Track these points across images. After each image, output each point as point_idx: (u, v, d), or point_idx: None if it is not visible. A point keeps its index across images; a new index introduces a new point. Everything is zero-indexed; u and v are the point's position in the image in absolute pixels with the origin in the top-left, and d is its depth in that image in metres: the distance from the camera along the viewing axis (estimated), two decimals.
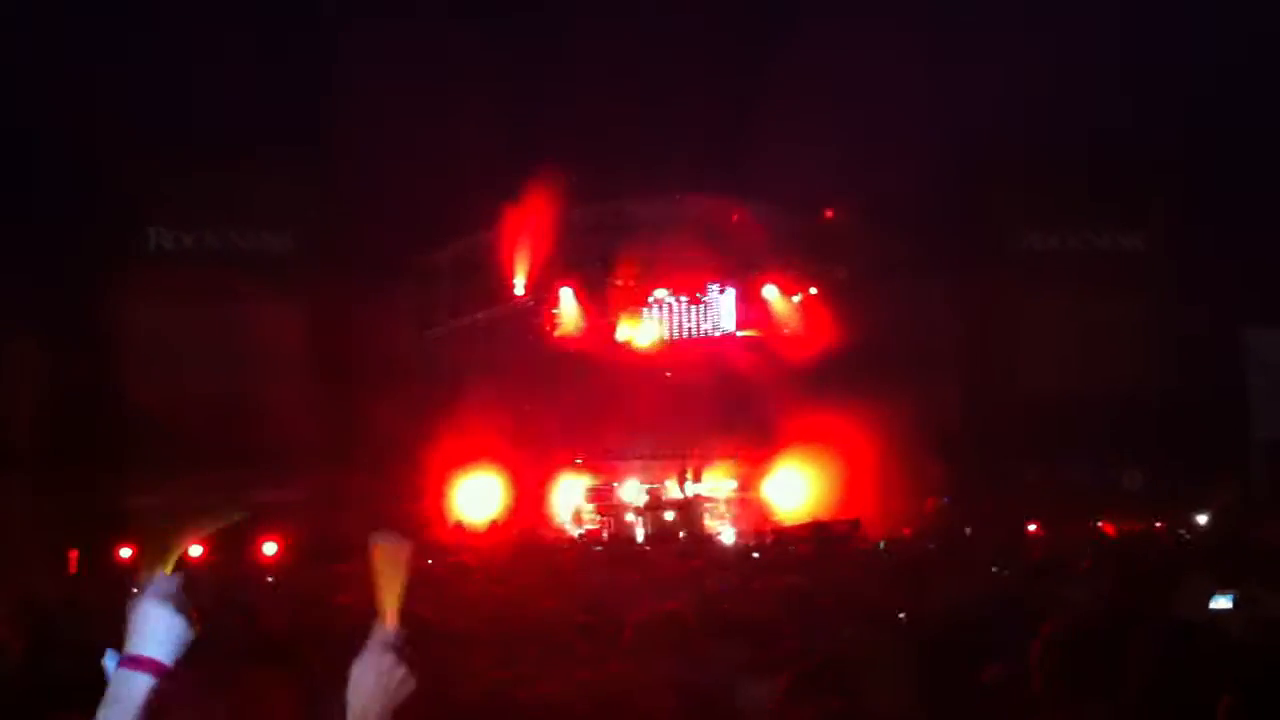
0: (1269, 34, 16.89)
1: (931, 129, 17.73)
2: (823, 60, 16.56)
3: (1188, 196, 18.40)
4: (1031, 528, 17.40)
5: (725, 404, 22.68)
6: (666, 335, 22.76)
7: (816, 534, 16.83)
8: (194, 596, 2.58)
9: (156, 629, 2.54)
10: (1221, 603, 5.08)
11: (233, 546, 16.27)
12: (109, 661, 2.52)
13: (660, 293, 22.53)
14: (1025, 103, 17.51)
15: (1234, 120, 17.82)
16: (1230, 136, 17.78)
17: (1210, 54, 17.08)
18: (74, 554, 15.64)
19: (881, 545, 15.76)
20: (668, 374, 22.05)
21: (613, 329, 22.67)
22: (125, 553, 16.12)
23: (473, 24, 16.99)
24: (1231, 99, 17.75)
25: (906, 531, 17.53)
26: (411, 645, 2.76)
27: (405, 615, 2.66)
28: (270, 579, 13.99)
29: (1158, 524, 17.24)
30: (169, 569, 2.59)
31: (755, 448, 21.77)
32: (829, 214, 21.10)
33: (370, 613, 2.74)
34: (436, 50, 16.31)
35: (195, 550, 16.43)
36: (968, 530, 16.17)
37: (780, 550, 15.96)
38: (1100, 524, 17.13)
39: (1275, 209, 17.89)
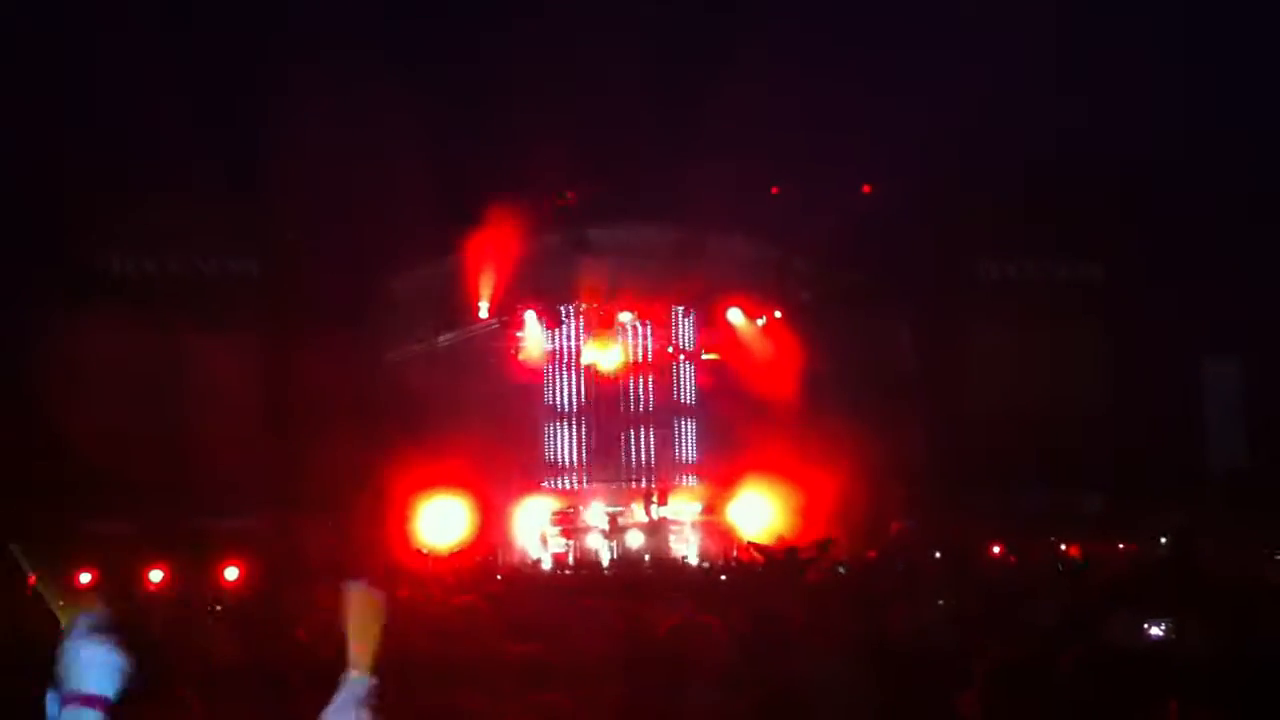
0: (1232, 67, 17.18)
1: (893, 156, 17.85)
2: (783, 86, 16.67)
3: (1146, 225, 18.60)
4: (995, 550, 17.52)
5: (690, 427, 22.81)
6: (631, 358, 22.78)
7: (786, 557, 16.87)
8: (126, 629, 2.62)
9: (95, 664, 2.59)
10: (1156, 630, 5.14)
11: (194, 572, 16.18)
12: (51, 704, 2.54)
13: (624, 316, 22.57)
14: (985, 131, 17.65)
15: (1193, 150, 18.04)
16: (1189, 166, 18.00)
17: (1172, 84, 17.30)
18: (32, 579, 15.50)
19: (841, 569, 15.82)
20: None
21: (577, 352, 22.69)
22: (85, 578, 15.99)
23: (435, 50, 17.05)
24: (1191, 130, 17.96)
25: (871, 554, 17.60)
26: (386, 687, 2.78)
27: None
28: (218, 607, 13.89)
29: (1121, 545, 17.38)
30: (91, 608, 2.62)
31: (720, 471, 21.85)
32: (792, 238, 21.12)
33: (330, 652, 2.75)
34: (399, 76, 16.31)
35: (156, 575, 16.36)
36: (937, 554, 16.20)
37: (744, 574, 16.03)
38: (1065, 546, 17.28)
39: (1233, 239, 18.11)
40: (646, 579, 16.77)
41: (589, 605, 7.58)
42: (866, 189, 19.80)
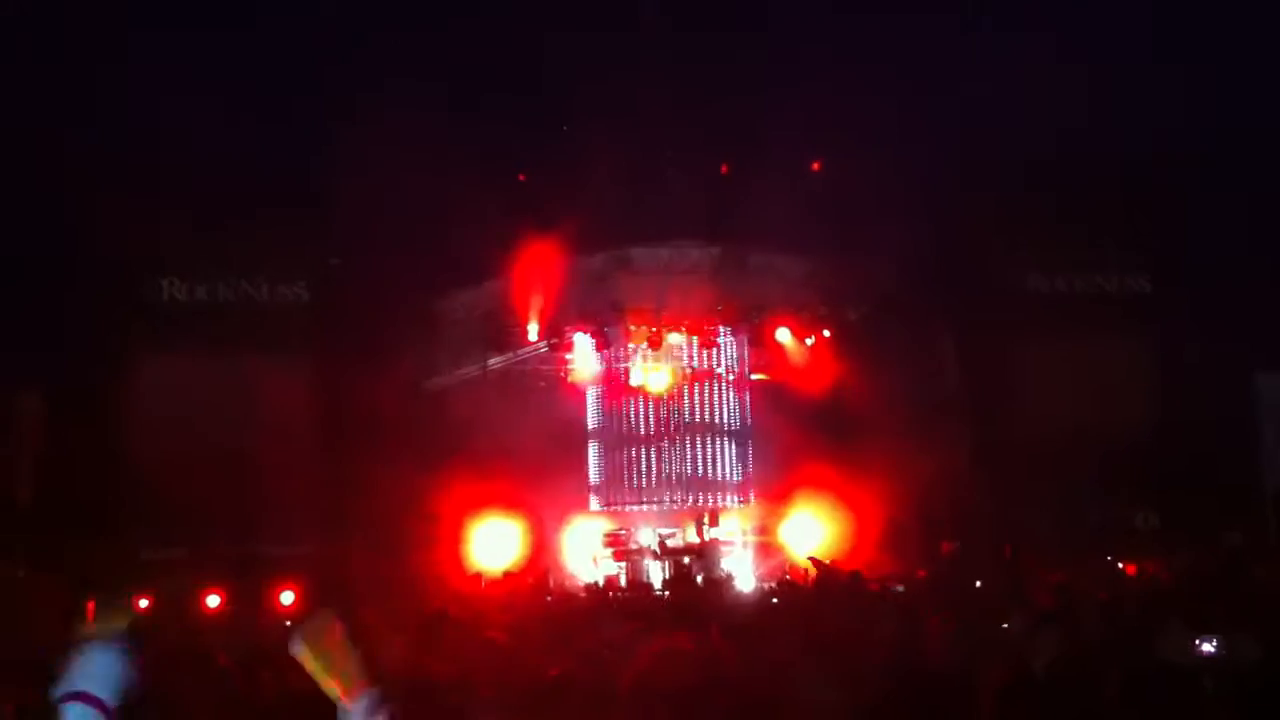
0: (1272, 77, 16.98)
1: (938, 170, 17.77)
2: (827, 104, 16.68)
3: (1195, 237, 18.35)
4: (1049, 569, 17.29)
5: (741, 447, 22.79)
6: (680, 379, 22.79)
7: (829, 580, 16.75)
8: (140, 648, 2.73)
9: (103, 670, 2.74)
10: (1206, 647, 5.09)
11: (251, 597, 16.38)
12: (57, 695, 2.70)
13: (673, 337, 22.58)
14: (1030, 143, 17.56)
15: (1244, 159, 17.82)
16: (1237, 178, 17.77)
17: (1213, 89, 17.13)
18: (90, 605, 15.73)
19: (900, 588, 15.69)
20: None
21: (626, 373, 22.74)
22: (143, 604, 16.19)
23: (478, 74, 17.22)
24: (1243, 140, 17.74)
25: (922, 574, 17.46)
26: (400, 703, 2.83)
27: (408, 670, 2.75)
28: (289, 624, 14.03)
29: (1174, 562, 17.08)
30: (121, 622, 2.75)
31: (771, 491, 21.79)
32: (839, 255, 21.03)
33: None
34: (443, 100, 16.50)
35: (213, 601, 16.57)
36: (978, 583, 16.00)
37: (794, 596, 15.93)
38: (1121, 564, 17.04)
39: None
40: (697, 601, 16.72)
41: (635, 628, 7.59)
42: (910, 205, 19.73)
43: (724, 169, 19.42)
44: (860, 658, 5.15)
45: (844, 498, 19.45)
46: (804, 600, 14.00)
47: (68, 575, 13.63)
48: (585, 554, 21.24)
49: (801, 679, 4.57)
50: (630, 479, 22.74)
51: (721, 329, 22.79)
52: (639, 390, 22.77)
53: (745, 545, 21.56)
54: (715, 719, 3.68)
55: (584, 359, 22.48)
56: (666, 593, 18.85)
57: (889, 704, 3.91)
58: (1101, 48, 16.97)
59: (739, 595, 17.71)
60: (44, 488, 16.50)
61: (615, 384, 22.82)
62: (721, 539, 21.25)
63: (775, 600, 16.17)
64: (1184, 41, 16.90)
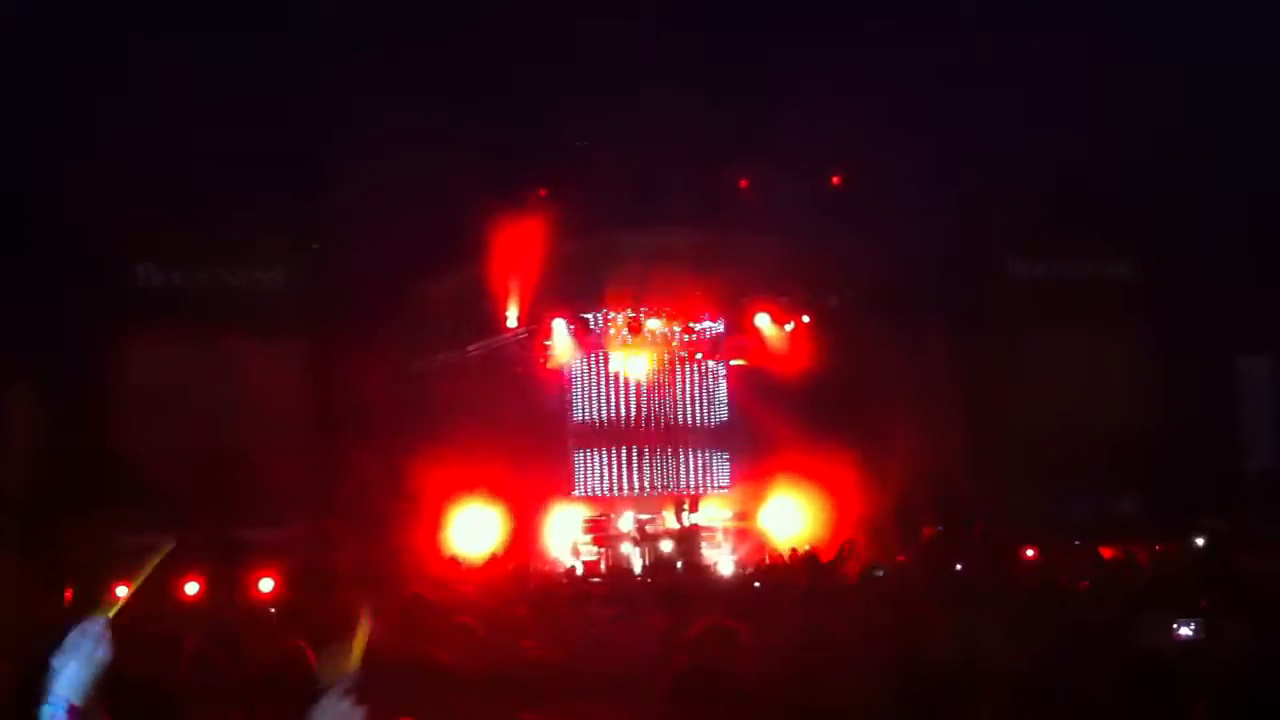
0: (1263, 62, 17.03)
1: (926, 157, 17.78)
2: (815, 90, 16.64)
3: (1179, 224, 18.42)
4: (1029, 553, 17.35)
5: (720, 433, 22.80)
6: (659, 365, 22.78)
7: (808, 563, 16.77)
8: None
9: (79, 670, 2.84)
10: (1185, 630, 5.12)
11: (229, 584, 16.28)
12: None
13: (653, 323, 22.57)
14: (1019, 131, 17.58)
15: (1227, 146, 17.87)
16: (1221, 162, 17.83)
17: (1204, 79, 17.17)
18: (69, 592, 15.63)
19: (880, 572, 15.70)
20: None
21: (606, 359, 22.71)
22: (121, 590, 16.06)
23: (462, 61, 17.13)
24: (1226, 126, 17.80)
25: (901, 558, 17.50)
26: (381, 683, 2.80)
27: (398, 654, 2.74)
28: (273, 609, 13.96)
29: (1158, 548, 17.18)
30: (98, 612, 2.75)
31: (751, 477, 21.80)
32: (822, 243, 21.02)
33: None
34: (426, 84, 16.40)
35: (191, 588, 16.45)
36: (959, 566, 16.04)
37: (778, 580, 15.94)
38: (1101, 549, 17.10)
39: (1268, 236, 17.92)
40: (678, 586, 16.69)
41: (617, 612, 7.56)
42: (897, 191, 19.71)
43: (716, 164, 19.33)
44: (863, 650, 5.13)
45: (824, 483, 19.48)
46: (792, 587, 14.00)
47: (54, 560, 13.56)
48: (565, 540, 21.20)
49: (812, 672, 4.55)
50: (610, 465, 22.72)
51: (702, 315, 22.79)
52: (618, 376, 22.74)
53: (725, 531, 21.55)
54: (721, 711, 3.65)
55: (563, 345, 22.43)
56: (647, 579, 18.87)
57: (897, 699, 3.89)
58: (1100, 46, 16.97)
59: (720, 581, 17.75)
60: (29, 474, 16.38)
61: (594, 370, 22.78)
62: (701, 525, 21.23)
63: (758, 585, 16.22)
64: (1168, 31, 16.91)
